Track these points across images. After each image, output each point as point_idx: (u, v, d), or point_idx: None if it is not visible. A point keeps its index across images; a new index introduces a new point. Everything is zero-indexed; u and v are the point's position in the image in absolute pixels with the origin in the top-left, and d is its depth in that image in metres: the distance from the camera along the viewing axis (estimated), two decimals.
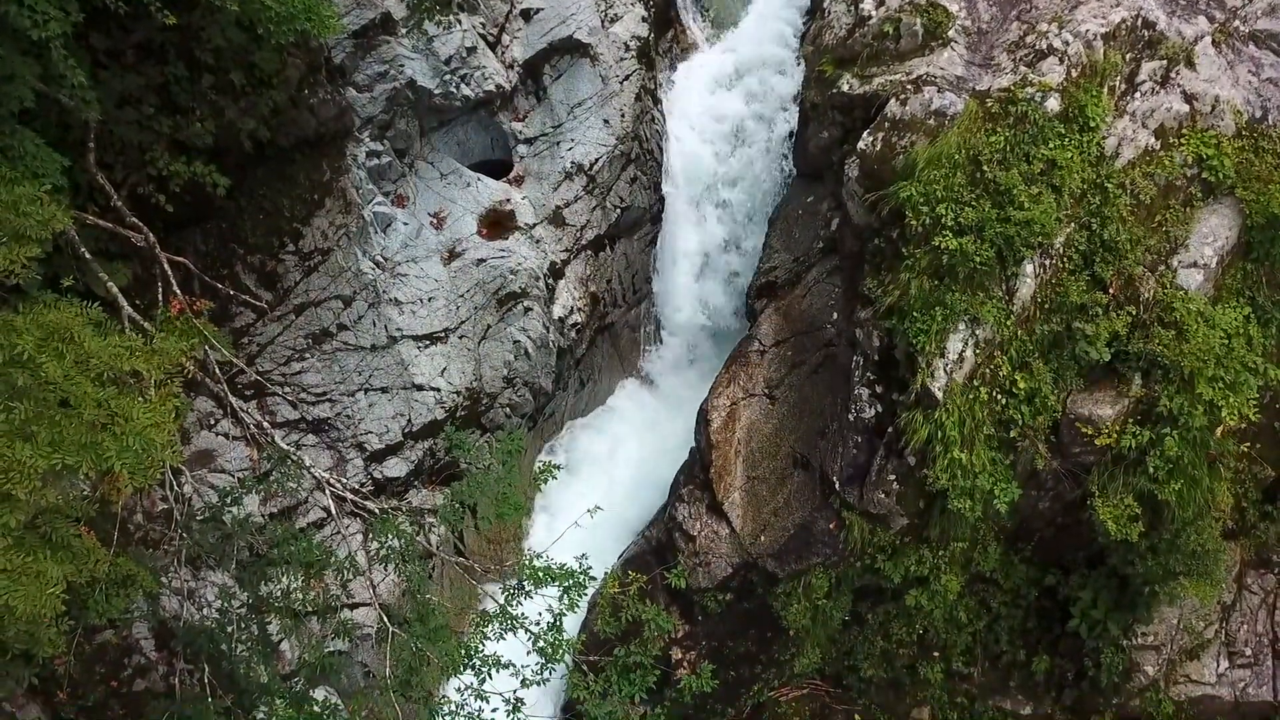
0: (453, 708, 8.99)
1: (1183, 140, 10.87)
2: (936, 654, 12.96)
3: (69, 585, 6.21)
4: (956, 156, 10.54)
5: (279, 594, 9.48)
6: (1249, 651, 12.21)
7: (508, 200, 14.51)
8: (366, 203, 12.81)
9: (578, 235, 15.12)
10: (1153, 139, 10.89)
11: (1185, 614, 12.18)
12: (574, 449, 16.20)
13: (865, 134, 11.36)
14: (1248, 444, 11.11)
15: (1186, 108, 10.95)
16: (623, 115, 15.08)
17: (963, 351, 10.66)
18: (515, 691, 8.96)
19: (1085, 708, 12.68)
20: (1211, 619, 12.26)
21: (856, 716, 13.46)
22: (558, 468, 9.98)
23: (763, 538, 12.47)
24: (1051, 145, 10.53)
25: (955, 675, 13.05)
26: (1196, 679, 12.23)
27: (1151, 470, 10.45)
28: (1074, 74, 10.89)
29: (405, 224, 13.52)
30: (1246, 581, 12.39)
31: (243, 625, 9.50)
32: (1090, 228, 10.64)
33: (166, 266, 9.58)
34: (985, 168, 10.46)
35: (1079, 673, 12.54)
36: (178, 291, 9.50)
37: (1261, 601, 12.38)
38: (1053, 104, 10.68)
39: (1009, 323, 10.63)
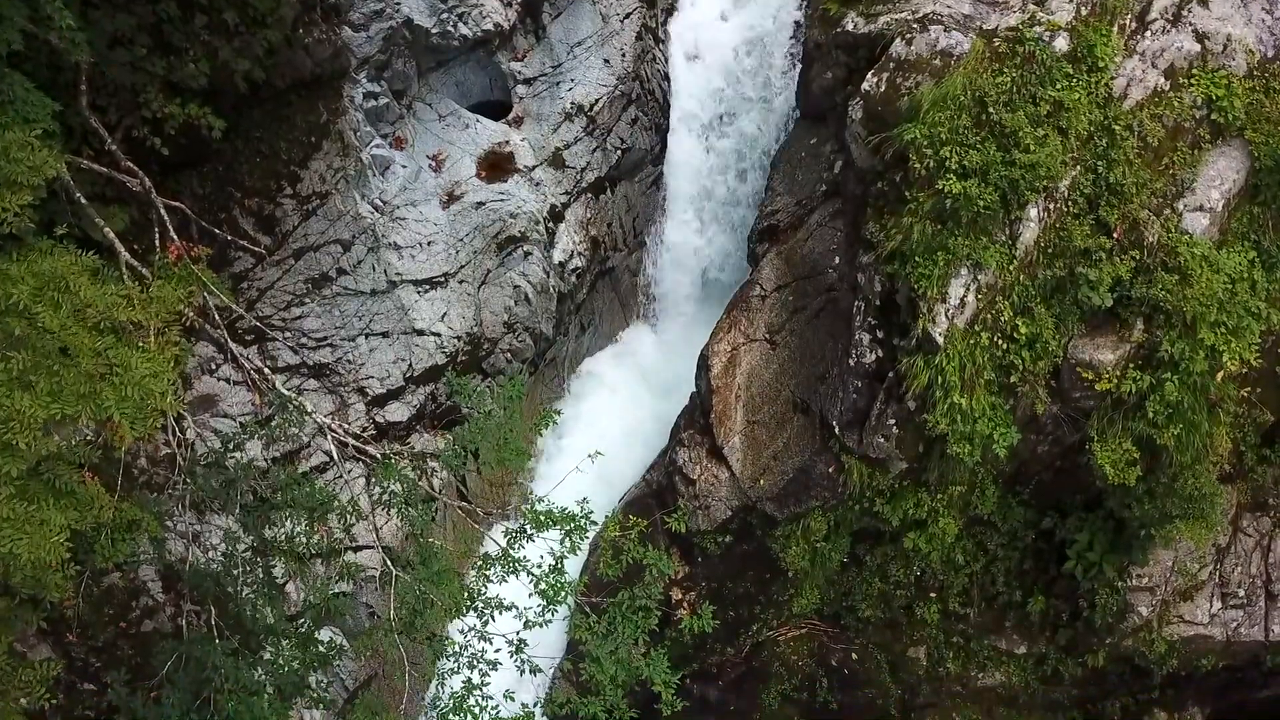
0: (456, 649, 9.13)
1: (1193, 80, 10.68)
2: (933, 595, 13.14)
3: (75, 531, 6.27)
4: (962, 98, 10.38)
5: (283, 537, 9.57)
6: (1242, 593, 12.36)
7: (507, 142, 14.34)
8: (364, 145, 12.67)
9: (578, 177, 14.97)
10: (1162, 79, 10.70)
11: (1180, 556, 12.31)
12: (575, 394, 16.24)
13: (869, 74, 11.17)
14: (1248, 388, 11.11)
15: (1198, 47, 10.74)
16: (623, 54, 14.83)
17: (964, 296, 10.61)
18: (518, 633, 9.10)
19: (1079, 647, 12.89)
20: (1206, 561, 12.39)
21: (854, 655, 13.70)
22: (558, 413, 10.01)
23: (762, 481, 12.56)
24: (1059, 86, 10.35)
25: (951, 615, 13.24)
26: (1189, 619, 12.40)
27: (1151, 415, 10.47)
28: (1084, 12, 10.67)
29: (404, 167, 13.39)
30: (1242, 524, 12.49)
31: (248, 568, 9.61)
32: (1096, 171, 10.51)
33: (163, 211, 9.49)
34: (991, 109, 10.30)
35: (1074, 613, 12.72)
36: (175, 237, 9.43)
37: (1256, 544, 12.50)
38: (1061, 43, 10.47)
39: (1011, 267, 10.56)
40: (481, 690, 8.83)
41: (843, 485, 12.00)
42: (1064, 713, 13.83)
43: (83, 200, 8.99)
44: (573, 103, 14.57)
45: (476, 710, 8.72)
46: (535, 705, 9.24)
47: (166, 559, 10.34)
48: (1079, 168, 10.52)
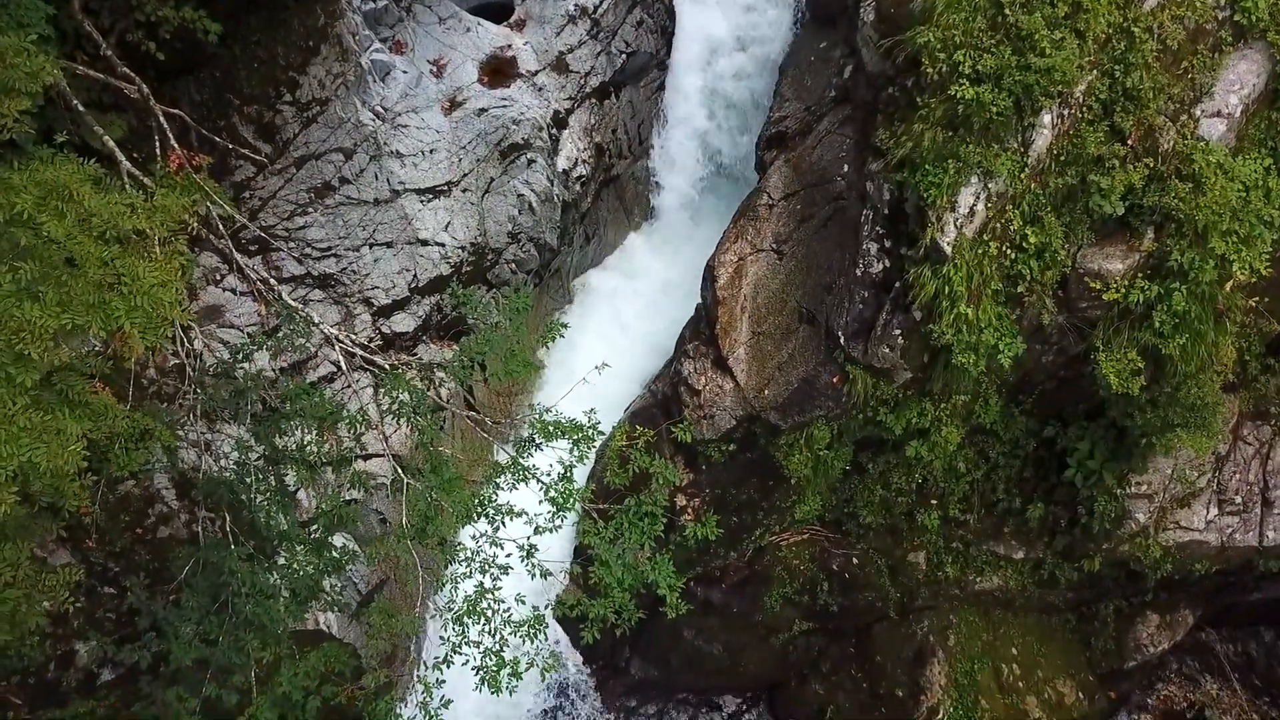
0: (468, 554, 9.32)
1: None
2: (934, 502, 13.35)
3: (90, 440, 6.35)
4: None
5: (294, 446, 9.69)
6: (1239, 499, 12.55)
7: (509, 46, 14.01)
8: (363, 50, 12.38)
9: (581, 82, 14.67)
10: None
11: (1179, 464, 12.45)
12: (581, 305, 16.21)
13: None
14: (1256, 298, 11.08)
15: None
16: None
17: (974, 205, 10.48)
18: (528, 538, 9.27)
19: (1075, 552, 13.15)
20: (1205, 469, 12.55)
21: (854, 560, 13.99)
22: (565, 326, 10.01)
23: (766, 391, 12.63)
24: None
25: (952, 522, 13.48)
26: (1186, 525, 12.62)
27: (1157, 324, 10.46)
28: None
29: (404, 72, 13.11)
30: (1242, 433, 12.61)
31: (260, 476, 9.76)
32: (1113, 75, 10.27)
33: (162, 119, 9.34)
34: (1007, 11, 10.01)
35: (1072, 520, 12.94)
36: (175, 145, 9.29)
37: (1255, 452, 12.64)
38: None
39: (1023, 175, 10.41)
40: (493, 594, 9.04)
41: (847, 395, 12.06)
42: (1058, 615, 14.21)
43: (80, 108, 8.83)
44: (576, 4, 14.18)
45: (489, 613, 8.94)
46: (545, 608, 9.45)
47: (180, 467, 10.50)
48: (1095, 72, 10.28)
